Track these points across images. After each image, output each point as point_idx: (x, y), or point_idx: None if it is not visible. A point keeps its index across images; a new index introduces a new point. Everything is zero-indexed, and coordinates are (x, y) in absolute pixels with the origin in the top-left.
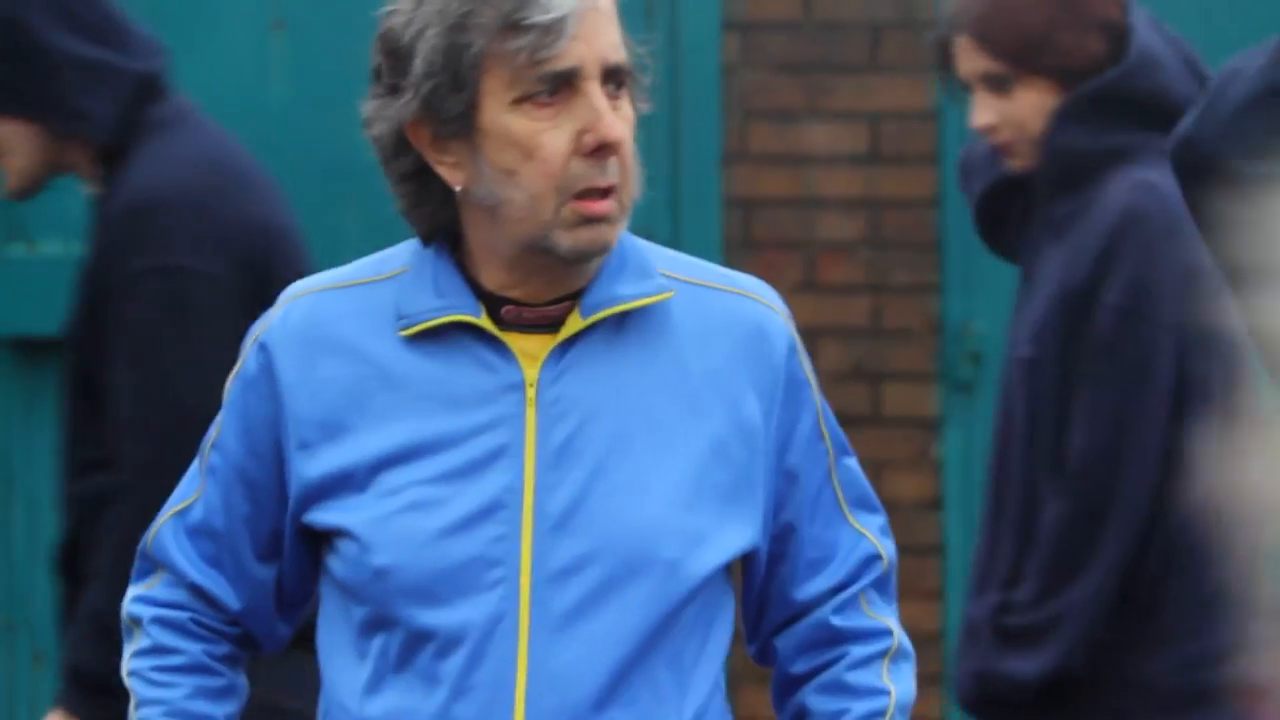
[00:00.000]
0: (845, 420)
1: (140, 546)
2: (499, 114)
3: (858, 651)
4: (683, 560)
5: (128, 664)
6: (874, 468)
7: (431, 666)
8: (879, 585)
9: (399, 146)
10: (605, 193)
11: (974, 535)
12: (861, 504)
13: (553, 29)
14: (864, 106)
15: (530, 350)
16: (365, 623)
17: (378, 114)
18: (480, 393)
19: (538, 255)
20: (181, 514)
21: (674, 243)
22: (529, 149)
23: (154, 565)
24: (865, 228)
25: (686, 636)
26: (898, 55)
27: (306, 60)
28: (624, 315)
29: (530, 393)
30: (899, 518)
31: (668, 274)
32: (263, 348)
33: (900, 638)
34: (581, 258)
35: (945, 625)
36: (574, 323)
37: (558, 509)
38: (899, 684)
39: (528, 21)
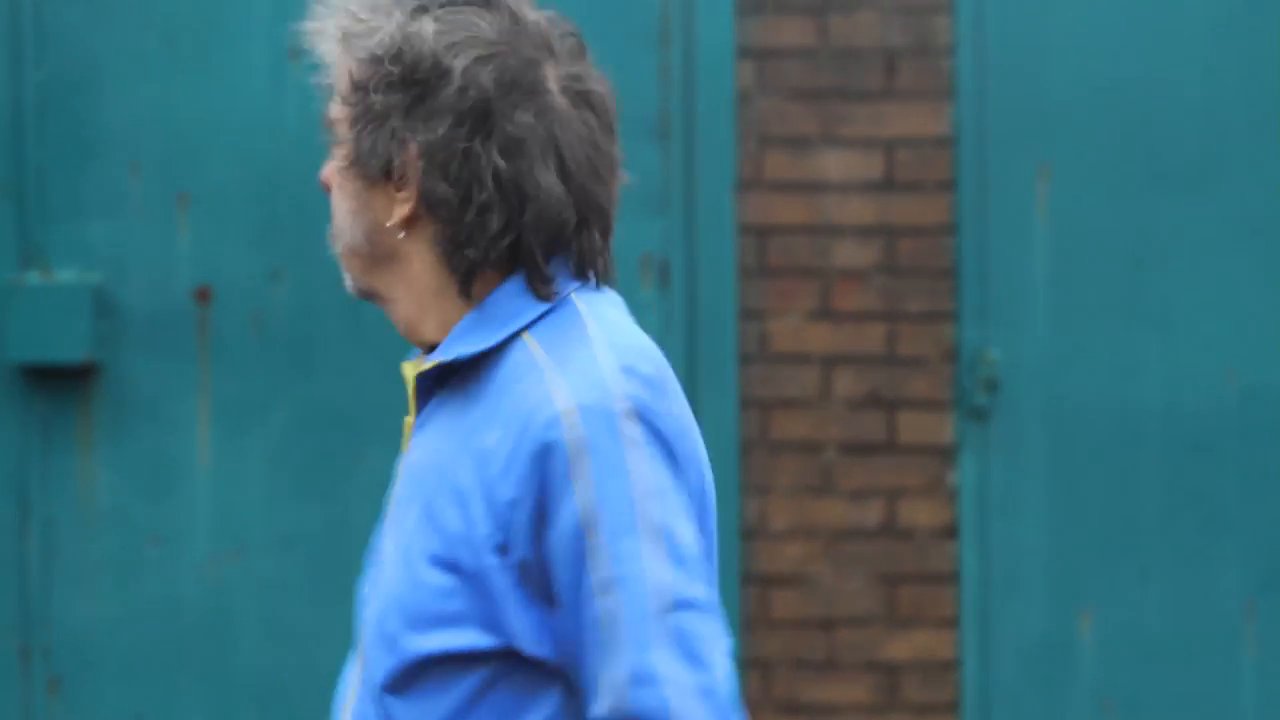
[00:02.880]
0: (860, 448)
1: None
2: None
3: None
4: None
5: None
6: (889, 496)
7: None
8: None
9: None
10: None
11: (989, 563)
12: None
13: None
14: (879, 133)
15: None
16: None
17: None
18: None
19: None
20: None
21: (689, 270)
22: None
23: None
24: (880, 255)
25: None
26: (913, 82)
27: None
28: (467, 375)
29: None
30: (914, 546)
31: (531, 343)
32: None
33: None
34: None
35: (961, 654)
36: (409, 370)
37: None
38: None
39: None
